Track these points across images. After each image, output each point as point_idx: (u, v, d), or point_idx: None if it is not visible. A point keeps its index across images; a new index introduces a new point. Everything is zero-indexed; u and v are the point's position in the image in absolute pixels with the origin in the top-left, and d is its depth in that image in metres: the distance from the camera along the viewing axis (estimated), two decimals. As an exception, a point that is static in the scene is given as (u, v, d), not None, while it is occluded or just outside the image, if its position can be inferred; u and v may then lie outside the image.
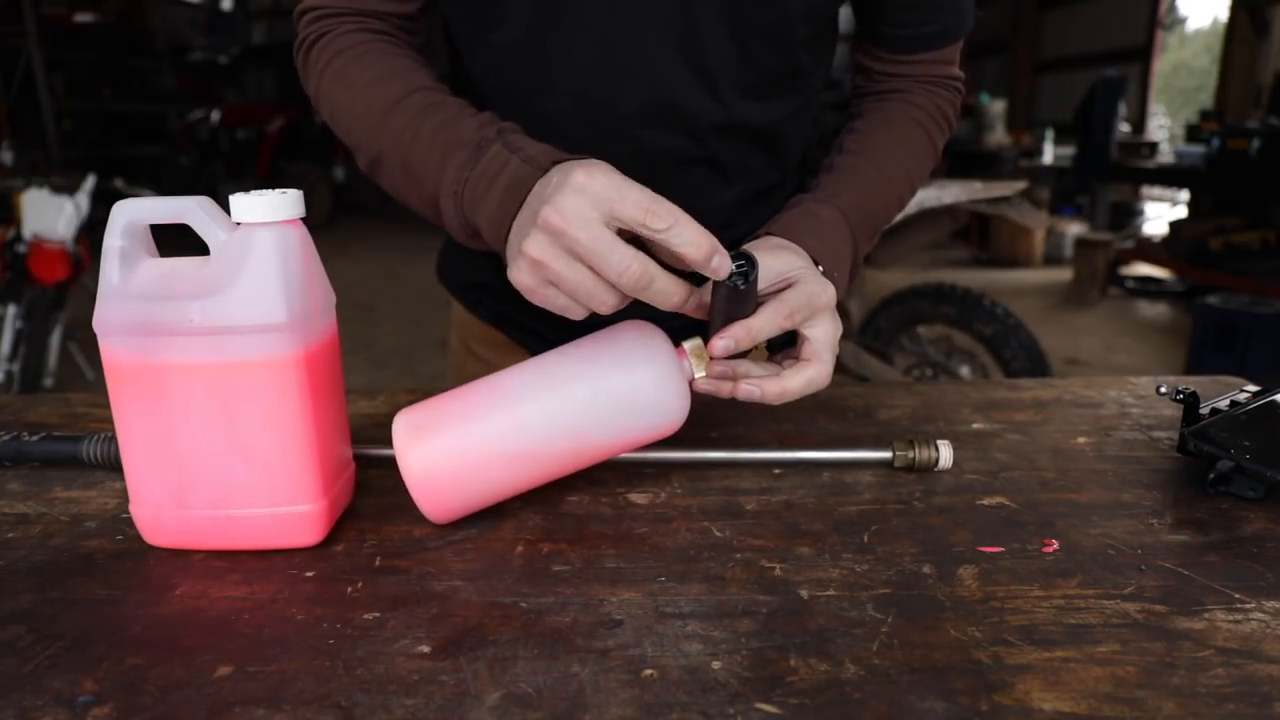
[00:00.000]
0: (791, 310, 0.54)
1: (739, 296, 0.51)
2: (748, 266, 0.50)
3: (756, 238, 0.65)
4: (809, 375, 0.56)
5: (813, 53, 0.71)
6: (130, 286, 0.50)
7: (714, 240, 0.48)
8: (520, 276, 0.51)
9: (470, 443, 0.54)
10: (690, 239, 0.47)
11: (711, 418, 0.74)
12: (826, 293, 0.56)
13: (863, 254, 0.70)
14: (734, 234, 0.77)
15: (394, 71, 0.63)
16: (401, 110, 0.61)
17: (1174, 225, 5.09)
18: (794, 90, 0.72)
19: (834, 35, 0.74)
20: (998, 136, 7.29)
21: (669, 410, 0.54)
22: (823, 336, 0.56)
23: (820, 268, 0.62)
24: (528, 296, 0.51)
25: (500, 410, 0.54)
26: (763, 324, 0.53)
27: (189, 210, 0.50)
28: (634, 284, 0.48)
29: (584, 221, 0.47)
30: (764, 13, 0.65)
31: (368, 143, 0.64)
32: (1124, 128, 6.79)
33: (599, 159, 0.69)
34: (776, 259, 0.57)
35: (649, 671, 0.41)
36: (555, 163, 0.54)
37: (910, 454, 0.63)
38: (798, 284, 0.56)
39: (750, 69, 0.67)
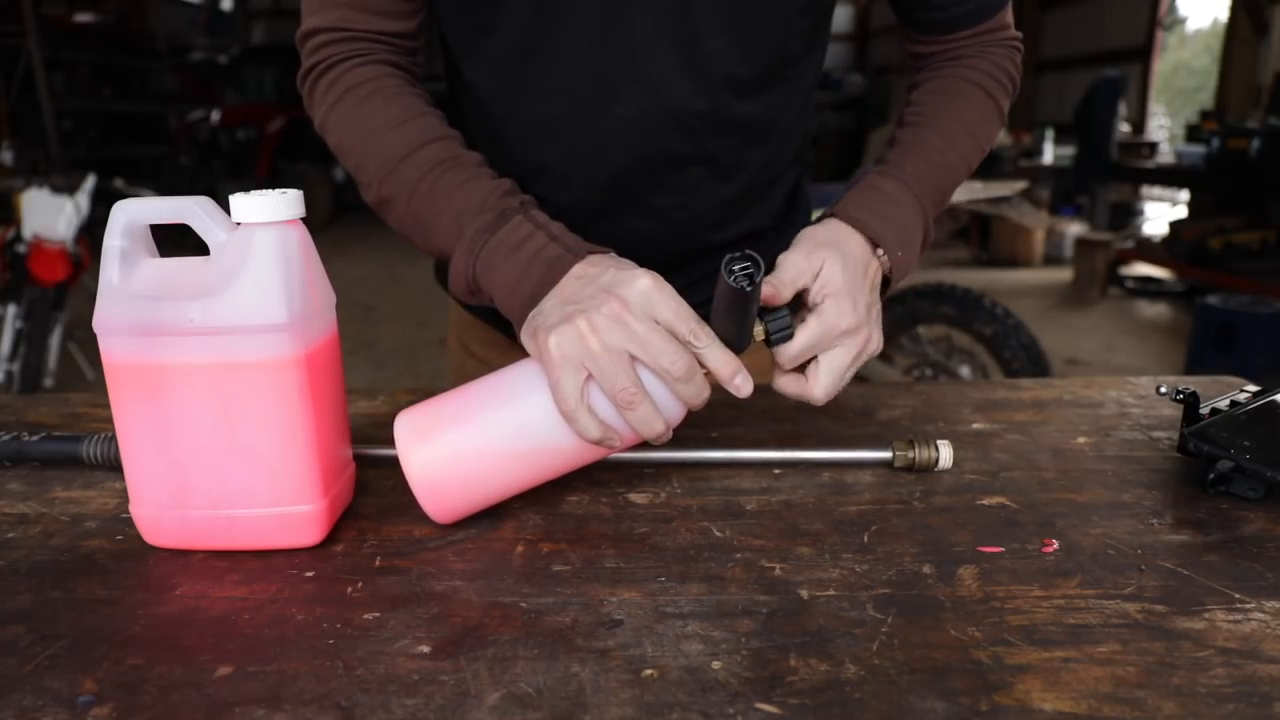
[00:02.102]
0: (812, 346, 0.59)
1: (745, 297, 0.52)
2: (753, 268, 0.51)
3: (817, 220, 0.65)
4: (823, 365, 0.60)
5: (807, 42, 0.71)
6: (130, 286, 0.50)
7: (738, 363, 0.54)
8: (564, 338, 0.52)
9: (474, 443, 0.54)
10: (718, 360, 0.54)
11: (711, 418, 0.74)
12: (844, 320, 0.59)
13: (933, 218, 0.70)
14: (732, 231, 0.77)
15: (407, 116, 0.64)
16: (416, 161, 0.62)
17: (1174, 225, 5.09)
18: (788, 80, 0.72)
19: (829, 23, 0.74)
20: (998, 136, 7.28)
21: (669, 406, 0.55)
22: (829, 362, 0.59)
23: (880, 250, 0.63)
24: (553, 350, 0.52)
25: (502, 409, 0.54)
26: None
27: (189, 210, 0.50)
28: (683, 374, 0.53)
29: (646, 316, 0.53)
30: (762, 9, 0.65)
31: (378, 184, 0.65)
32: (1124, 128, 6.79)
33: (597, 162, 0.70)
34: (810, 260, 0.59)
35: (649, 671, 0.41)
36: (590, 251, 0.58)
37: (910, 454, 0.63)
38: (818, 313, 0.59)
39: (747, 65, 0.67)
